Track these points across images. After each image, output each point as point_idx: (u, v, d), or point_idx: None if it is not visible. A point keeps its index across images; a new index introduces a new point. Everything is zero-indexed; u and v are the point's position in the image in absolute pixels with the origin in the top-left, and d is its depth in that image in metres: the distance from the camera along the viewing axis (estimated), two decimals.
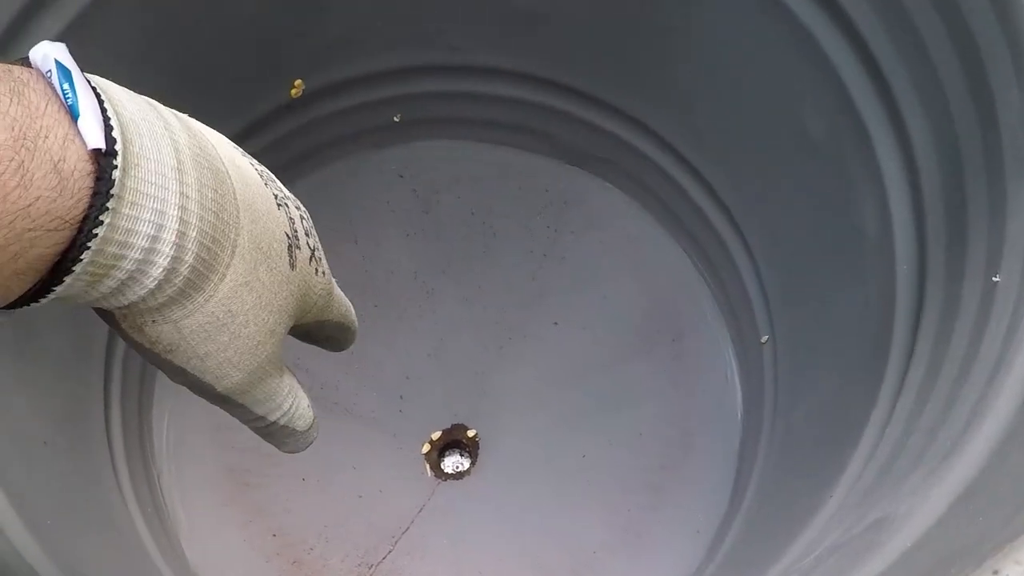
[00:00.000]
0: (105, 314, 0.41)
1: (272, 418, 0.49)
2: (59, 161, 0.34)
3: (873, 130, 0.73)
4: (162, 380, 0.98)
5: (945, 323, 0.60)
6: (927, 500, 0.41)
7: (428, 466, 0.99)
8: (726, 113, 0.90)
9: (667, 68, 0.91)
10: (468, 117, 1.05)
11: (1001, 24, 0.58)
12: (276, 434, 0.50)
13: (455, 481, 0.99)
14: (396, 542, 0.96)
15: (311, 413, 0.51)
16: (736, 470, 0.96)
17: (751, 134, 0.88)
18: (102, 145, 0.35)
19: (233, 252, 0.41)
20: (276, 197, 0.45)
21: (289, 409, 0.49)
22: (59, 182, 0.34)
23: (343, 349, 0.57)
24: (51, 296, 0.36)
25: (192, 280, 0.39)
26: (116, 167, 0.35)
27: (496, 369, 1.03)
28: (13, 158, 0.33)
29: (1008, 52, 0.58)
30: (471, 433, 1.01)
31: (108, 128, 0.36)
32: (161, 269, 0.38)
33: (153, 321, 0.40)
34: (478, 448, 1.00)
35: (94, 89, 0.36)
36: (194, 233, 0.39)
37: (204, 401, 0.91)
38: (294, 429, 0.50)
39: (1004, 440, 0.42)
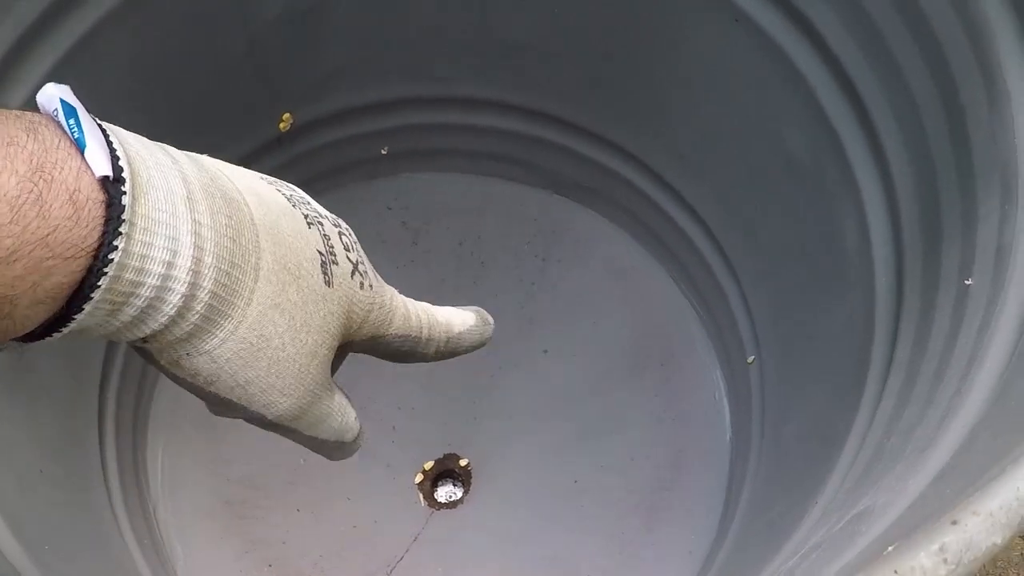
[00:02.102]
0: (144, 352, 0.42)
1: (323, 437, 0.50)
2: (74, 192, 0.35)
3: (850, 149, 0.74)
4: (156, 413, 0.98)
5: (922, 329, 0.61)
6: (904, 491, 0.42)
7: (421, 496, 1.00)
8: (709, 138, 0.91)
9: (650, 96, 0.93)
10: (455, 148, 1.07)
11: (972, 45, 0.60)
12: (326, 448, 0.51)
13: (448, 510, 1.00)
14: (391, 571, 0.96)
15: (357, 424, 0.52)
16: (727, 489, 0.96)
17: (734, 158, 0.89)
18: (109, 172, 0.36)
19: (256, 275, 0.42)
20: (307, 217, 0.46)
21: (339, 427, 0.50)
22: (74, 211, 0.35)
23: (429, 361, 0.56)
24: (71, 326, 0.37)
25: (215, 306, 0.40)
26: (124, 192, 0.36)
27: (487, 398, 1.04)
28: (32, 189, 0.34)
29: (979, 71, 0.59)
30: (463, 462, 1.01)
31: (115, 158, 0.37)
32: (179, 295, 0.39)
33: (187, 354, 0.41)
34: (471, 477, 1.01)
35: (100, 125, 0.38)
36: (210, 259, 0.39)
37: (198, 434, 0.92)
38: (343, 442, 0.51)
39: (975, 426, 0.44)
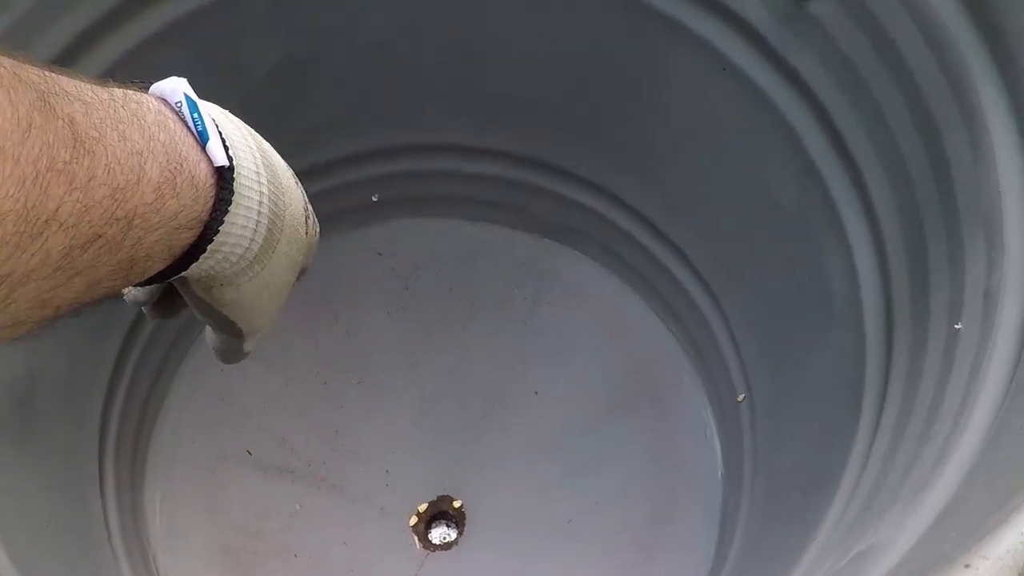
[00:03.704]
0: (180, 280, 0.50)
1: (247, 349, 0.59)
2: (195, 176, 0.43)
3: (837, 194, 0.75)
4: (153, 460, 0.99)
5: (913, 370, 0.62)
6: (905, 529, 0.43)
7: (416, 538, 1.00)
8: (696, 183, 0.92)
9: (639, 142, 0.94)
10: (445, 195, 1.07)
11: (953, 91, 0.62)
12: (233, 353, 0.59)
13: (443, 552, 1.00)
14: None
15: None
16: (720, 524, 0.97)
17: (721, 202, 0.90)
18: (226, 163, 0.45)
19: (282, 230, 0.51)
20: (294, 176, 0.54)
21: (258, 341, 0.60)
22: (195, 193, 0.43)
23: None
24: (182, 274, 0.46)
25: (259, 255, 0.49)
26: (234, 179, 0.45)
27: (479, 439, 1.05)
28: (169, 177, 0.41)
29: (960, 116, 0.61)
30: (457, 504, 1.02)
31: (225, 148, 0.45)
32: (243, 249, 0.48)
33: (221, 285, 0.50)
34: (464, 518, 1.01)
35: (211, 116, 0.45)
36: (265, 221, 0.49)
37: (194, 481, 0.94)
38: (246, 352, 0.60)
39: (971, 468, 0.45)
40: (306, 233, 0.55)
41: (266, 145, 0.52)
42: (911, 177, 0.66)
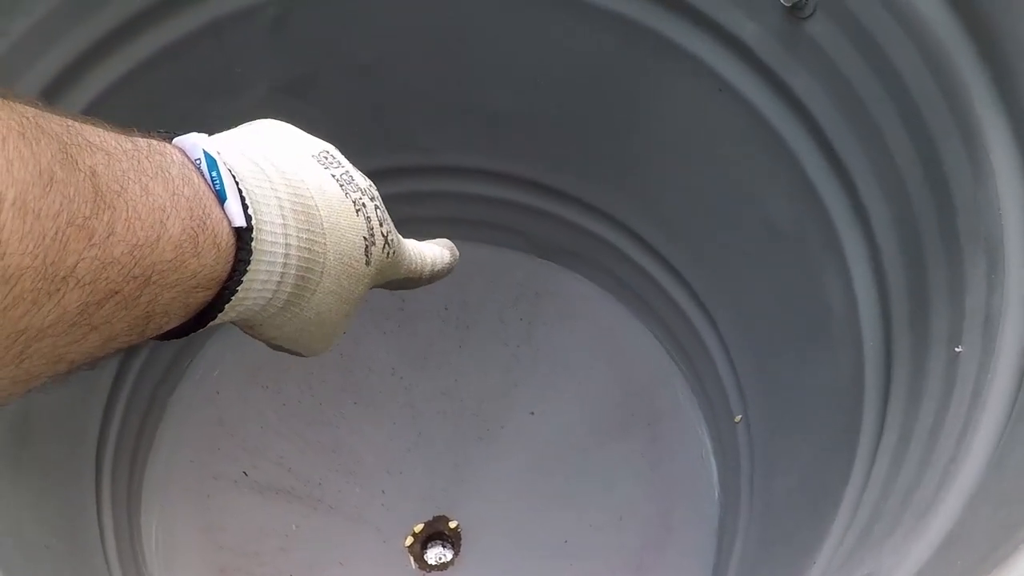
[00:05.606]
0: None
1: (321, 352, 0.57)
2: (217, 235, 0.42)
3: (835, 215, 0.75)
4: (149, 483, 0.99)
5: (913, 393, 0.62)
6: (908, 556, 0.43)
7: (412, 558, 1.00)
8: (692, 203, 0.92)
9: (634, 162, 0.94)
10: (440, 215, 1.07)
11: (952, 111, 0.61)
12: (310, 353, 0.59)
13: (439, 572, 1.00)
14: None
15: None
16: (717, 546, 0.97)
17: (717, 222, 0.91)
18: (244, 224, 0.43)
19: (323, 273, 0.49)
20: (355, 203, 0.52)
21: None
22: (216, 253, 0.42)
23: (412, 288, 0.65)
24: (201, 331, 0.45)
25: (291, 300, 0.48)
26: (253, 239, 0.44)
27: (475, 459, 1.05)
28: (191, 235, 0.40)
29: (960, 137, 0.61)
30: (453, 524, 1.02)
31: (244, 206, 0.44)
32: (266, 301, 0.47)
33: (261, 325, 0.50)
34: (460, 539, 1.01)
35: (230, 171, 0.44)
36: (292, 271, 0.47)
37: (190, 502, 0.94)
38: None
39: (975, 494, 0.45)
40: (368, 263, 0.52)
41: (312, 180, 0.50)
42: (909, 197, 0.66)
